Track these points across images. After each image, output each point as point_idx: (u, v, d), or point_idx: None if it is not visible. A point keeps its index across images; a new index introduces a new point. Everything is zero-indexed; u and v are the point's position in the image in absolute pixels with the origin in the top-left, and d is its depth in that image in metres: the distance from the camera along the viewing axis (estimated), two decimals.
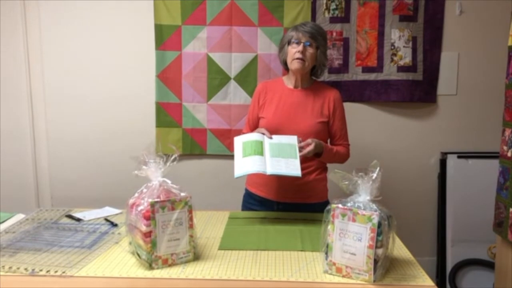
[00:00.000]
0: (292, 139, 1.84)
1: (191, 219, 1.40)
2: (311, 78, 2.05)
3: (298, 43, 1.91)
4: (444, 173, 2.93)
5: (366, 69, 2.89)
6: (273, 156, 1.78)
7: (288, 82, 2.04)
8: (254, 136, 1.85)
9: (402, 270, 1.36)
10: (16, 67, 2.92)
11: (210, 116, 2.94)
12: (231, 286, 1.27)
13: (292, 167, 1.75)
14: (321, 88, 2.04)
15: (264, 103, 2.03)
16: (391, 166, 2.92)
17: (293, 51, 1.92)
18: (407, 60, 2.86)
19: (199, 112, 2.93)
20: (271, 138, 1.85)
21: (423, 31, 2.85)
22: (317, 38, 1.92)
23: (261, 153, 1.78)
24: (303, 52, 1.90)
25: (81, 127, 2.97)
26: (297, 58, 1.91)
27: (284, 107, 1.98)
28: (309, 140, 1.82)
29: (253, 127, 2.06)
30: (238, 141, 1.87)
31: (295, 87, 2.02)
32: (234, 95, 2.91)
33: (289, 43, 1.95)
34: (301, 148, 1.80)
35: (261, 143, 1.81)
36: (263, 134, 1.87)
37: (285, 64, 2.02)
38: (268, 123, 1.96)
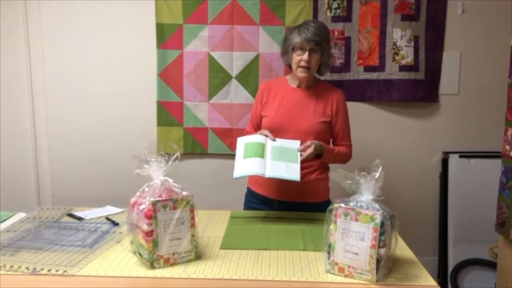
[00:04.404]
0: (295, 144, 1.84)
1: (192, 218, 1.39)
2: (315, 77, 2.05)
3: (302, 49, 1.89)
4: (446, 172, 2.93)
5: (368, 69, 2.88)
6: (273, 159, 1.77)
7: (292, 81, 2.04)
8: (256, 138, 1.85)
9: (405, 270, 1.36)
10: (17, 65, 2.92)
11: (212, 115, 2.93)
12: (232, 286, 1.27)
13: (291, 171, 1.75)
14: (325, 87, 2.03)
15: (267, 101, 2.02)
16: (392, 165, 2.91)
17: (298, 58, 1.90)
18: (409, 59, 2.85)
19: (201, 111, 2.93)
20: (274, 140, 1.84)
21: (425, 30, 2.84)
22: (322, 43, 1.89)
23: (262, 155, 1.78)
24: (308, 60, 1.89)
25: (82, 126, 2.97)
26: (303, 67, 1.90)
27: (286, 106, 1.97)
28: (308, 143, 1.81)
29: (256, 126, 2.06)
30: (240, 142, 1.87)
31: (299, 86, 2.01)
32: (236, 94, 2.91)
33: (293, 49, 1.92)
34: (301, 152, 1.80)
35: (263, 146, 1.81)
36: (266, 136, 1.86)
37: (289, 66, 2.01)
38: (270, 122, 1.96)
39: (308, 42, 1.87)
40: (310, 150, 1.79)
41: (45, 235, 1.61)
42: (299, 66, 1.91)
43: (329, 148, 1.91)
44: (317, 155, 1.85)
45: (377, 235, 1.22)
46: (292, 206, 1.96)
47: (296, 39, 1.89)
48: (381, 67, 2.87)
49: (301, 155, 1.79)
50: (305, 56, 1.88)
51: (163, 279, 1.29)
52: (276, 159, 1.77)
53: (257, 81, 2.86)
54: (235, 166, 1.78)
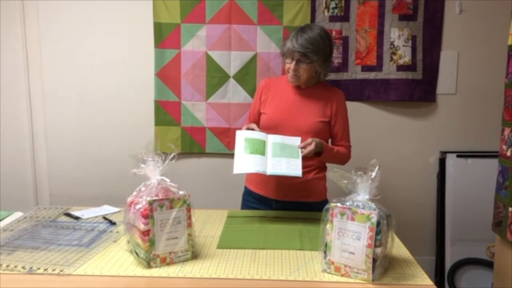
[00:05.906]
0: (296, 141, 1.83)
1: (189, 217, 1.39)
2: (315, 77, 2.02)
3: (291, 58, 1.89)
4: (443, 172, 2.93)
5: (366, 68, 2.88)
6: (275, 156, 1.77)
7: None
8: (256, 134, 1.84)
9: (401, 269, 1.36)
10: (14, 65, 2.91)
11: (209, 114, 2.93)
12: (229, 285, 1.27)
13: (293, 167, 1.75)
14: (325, 88, 2.02)
15: (266, 99, 2.02)
16: (390, 165, 2.92)
17: (287, 66, 1.92)
18: (406, 59, 2.85)
19: (198, 111, 2.93)
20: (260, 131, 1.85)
21: (422, 30, 2.84)
22: (308, 55, 1.85)
23: (263, 152, 1.78)
24: (295, 69, 1.89)
25: (79, 125, 2.97)
26: (291, 73, 1.92)
27: (286, 104, 1.97)
28: (309, 140, 1.81)
29: (254, 122, 2.04)
30: (240, 136, 1.84)
31: (298, 85, 2.00)
32: (233, 93, 2.90)
33: (284, 55, 1.93)
34: (301, 149, 1.80)
35: (263, 143, 1.81)
36: (253, 129, 1.86)
37: None
38: (268, 119, 1.97)
39: (294, 53, 1.86)
40: (311, 147, 1.79)
41: (42, 234, 1.61)
42: (288, 73, 1.93)
43: (329, 147, 1.91)
44: (317, 153, 1.85)
45: (373, 235, 1.23)
46: (290, 206, 1.97)
47: (289, 45, 1.88)
48: (378, 67, 2.87)
49: (301, 152, 1.79)
50: (292, 65, 1.89)
51: (159, 279, 1.29)
52: (277, 156, 1.77)
53: (254, 80, 2.86)
54: (235, 161, 1.76)
